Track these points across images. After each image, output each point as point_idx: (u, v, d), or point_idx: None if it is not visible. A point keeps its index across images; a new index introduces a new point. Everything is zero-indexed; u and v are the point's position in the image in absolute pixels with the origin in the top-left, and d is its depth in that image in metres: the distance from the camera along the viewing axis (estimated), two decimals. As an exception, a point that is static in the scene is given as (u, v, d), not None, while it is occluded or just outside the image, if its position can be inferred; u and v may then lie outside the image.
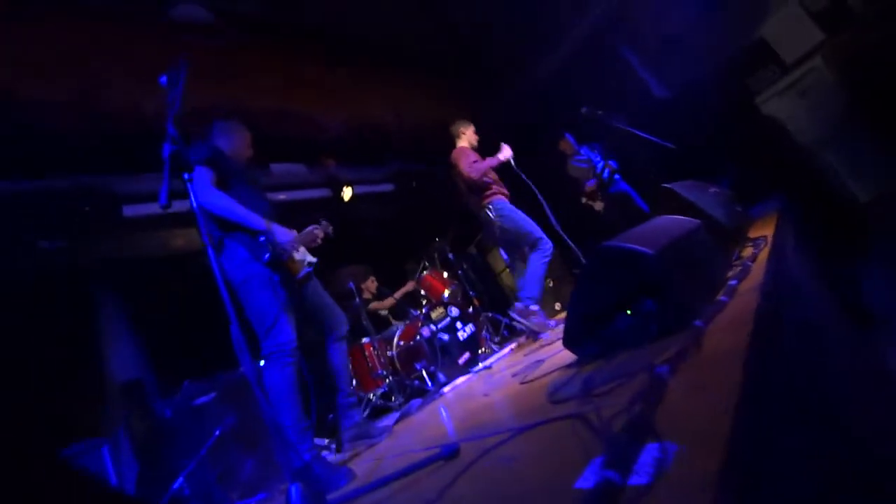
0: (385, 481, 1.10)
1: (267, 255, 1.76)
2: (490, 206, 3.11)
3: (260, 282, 1.77)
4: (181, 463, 2.50)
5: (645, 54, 5.43)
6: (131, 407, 3.47)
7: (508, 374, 2.10)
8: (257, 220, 1.79)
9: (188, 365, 3.11)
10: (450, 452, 1.12)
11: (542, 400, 1.21)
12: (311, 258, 2.03)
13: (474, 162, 3.13)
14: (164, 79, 1.66)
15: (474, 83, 6.36)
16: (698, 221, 1.60)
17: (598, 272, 1.29)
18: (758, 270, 1.47)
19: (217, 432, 2.55)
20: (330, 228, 2.22)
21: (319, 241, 2.12)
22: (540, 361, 1.90)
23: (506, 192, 3.23)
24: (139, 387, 3.56)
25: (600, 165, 4.00)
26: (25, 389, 3.24)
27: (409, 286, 4.05)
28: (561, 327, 2.85)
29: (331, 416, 3.34)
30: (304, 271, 1.93)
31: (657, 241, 1.26)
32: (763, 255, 1.69)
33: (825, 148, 3.97)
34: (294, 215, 5.08)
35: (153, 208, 4.17)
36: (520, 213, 3.11)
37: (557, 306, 4.50)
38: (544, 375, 1.56)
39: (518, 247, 3.13)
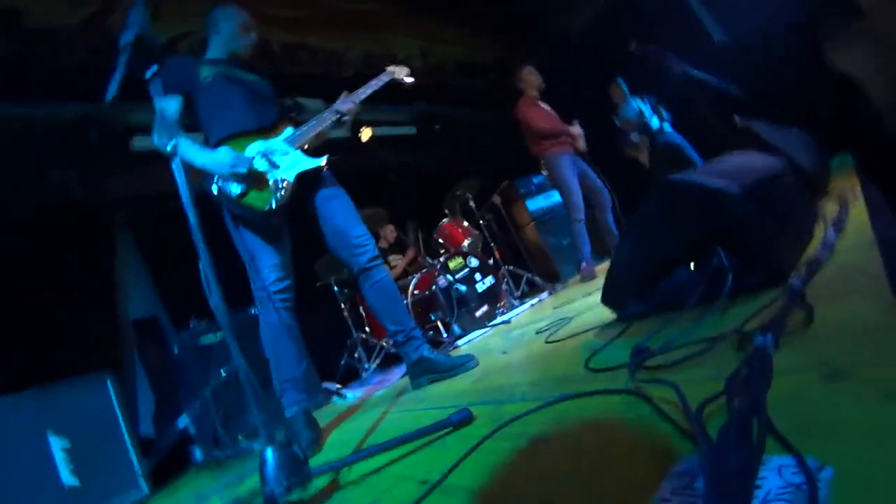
0: (379, 449, 0.93)
1: (212, 192, 1.52)
2: (543, 158, 3.19)
3: (227, 222, 1.56)
4: (188, 401, 2.47)
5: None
6: (145, 341, 3.48)
7: (531, 329, 1.89)
8: (202, 156, 1.50)
9: (199, 302, 3.02)
10: (460, 420, 0.93)
11: (575, 365, 0.98)
12: (303, 167, 1.59)
13: (541, 118, 3.20)
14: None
15: (509, 21, 5.78)
16: (784, 161, 1.29)
17: (662, 214, 1.02)
18: (855, 227, 1.17)
19: (223, 373, 2.48)
20: (346, 108, 1.69)
21: (331, 124, 1.68)
22: (567, 319, 1.67)
23: (568, 147, 3.19)
24: (153, 321, 3.54)
25: (649, 115, 3.58)
26: (42, 320, 3.24)
27: (411, 254, 3.79)
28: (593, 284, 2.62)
29: (343, 360, 3.27)
30: (276, 197, 1.51)
31: (741, 179, 0.97)
32: (858, 211, 1.37)
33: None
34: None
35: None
36: (566, 173, 3.09)
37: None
38: (575, 335, 1.33)
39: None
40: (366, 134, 4.55)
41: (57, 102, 3.36)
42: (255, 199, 1.51)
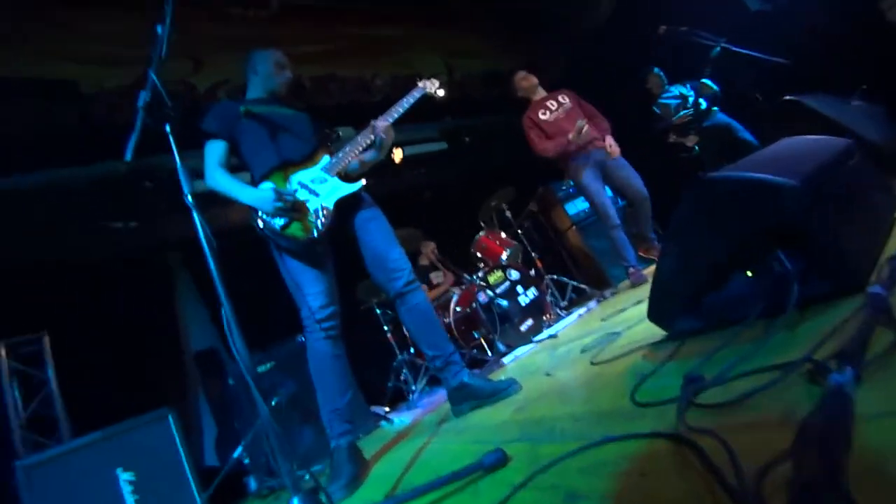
0: (410, 496, 0.87)
1: (258, 227, 1.56)
2: (563, 167, 3.03)
3: (273, 254, 1.60)
4: (243, 431, 2.53)
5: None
6: (207, 373, 3.66)
7: (577, 346, 1.77)
8: (246, 194, 1.57)
9: (251, 333, 3.13)
10: (493, 463, 0.85)
11: (620, 396, 0.88)
12: (341, 193, 1.60)
13: (536, 143, 3.02)
14: (158, 27, 1.49)
15: (531, 23, 5.70)
16: (848, 140, 1.12)
17: (707, 215, 0.90)
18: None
19: (273, 402, 2.53)
20: (380, 127, 1.70)
21: (367, 146, 1.70)
22: (615, 335, 1.55)
23: (587, 148, 2.93)
24: (213, 353, 3.72)
25: (693, 98, 3.32)
26: (115, 361, 3.49)
27: (450, 283, 3.69)
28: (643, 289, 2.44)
29: (390, 383, 3.26)
30: (317, 226, 1.55)
31: (798, 168, 0.85)
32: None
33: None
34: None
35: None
36: (586, 181, 2.88)
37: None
38: (622, 356, 1.22)
39: None
40: (397, 155, 4.61)
41: (113, 159, 3.65)
42: (297, 229, 1.56)
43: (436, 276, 3.85)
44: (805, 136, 1.22)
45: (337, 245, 1.72)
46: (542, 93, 3.16)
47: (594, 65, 4.97)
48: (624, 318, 1.84)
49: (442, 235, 4.21)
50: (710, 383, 0.69)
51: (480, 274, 3.01)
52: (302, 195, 1.59)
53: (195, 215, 1.08)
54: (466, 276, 3.19)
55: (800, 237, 0.81)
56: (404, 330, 3.11)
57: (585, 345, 1.65)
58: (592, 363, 1.33)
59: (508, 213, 3.72)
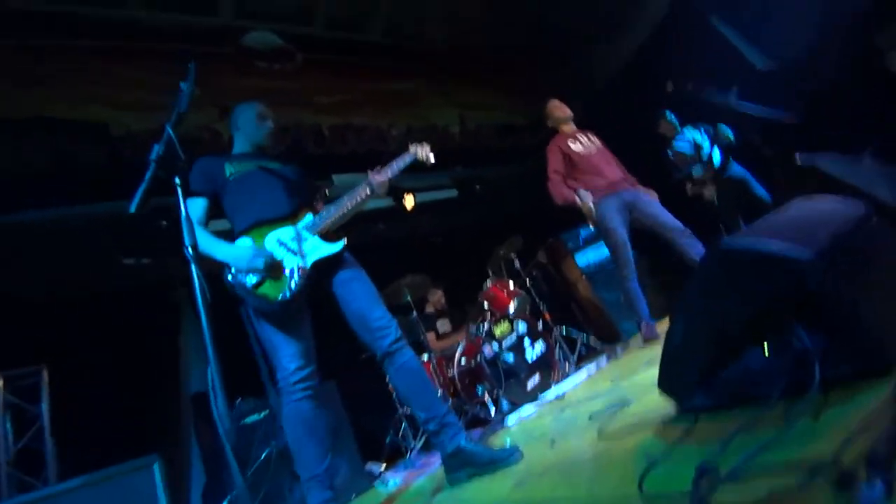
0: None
1: (227, 284, 1.52)
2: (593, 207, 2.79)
3: (243, 312, 1.57)
4: (230, 484, 2.40)
5: (742, 25, 4.61)
6: (200, 417, 3.54)
7: (585, 412, 1.66)
8: (221, 250, 1.54)
9: (247, 379, 3.05)
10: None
11: (628, 481, 0.80)
12: (320, 254, 1.59)
13: (552, 180, 2.87)
14: (182, 84, 1.56)
15: (544, 76, 5.93)
16: (864, 204, 1.08)
17: (718, 285, 0.85)
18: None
19: (264, 454, 2.42)
20: (377, 183, 1.70)
21: (361, 202, 1.69)
22: (625, 402, 1.45)
23: (615, 188, 2.76)
24: (206, 400, 3.62)
25: (708, 147, 3.29)
26: (112, 398, 3.43)
27: (460, 336, 3.51)
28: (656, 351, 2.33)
29: (388, 438, 3.11)
30: (290, 286, 1.51)
31: (812, 237, 0.80)
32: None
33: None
34: (357, 225, 5.03)
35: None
36: (609, 222, 2.68)
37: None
38: (631, 432, 1.13)
39: None
40: (409, 201, 4.67)
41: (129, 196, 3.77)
42: (269, 288, 1.52)
43: (442, 325, 3.77)
44: (818, 197, 1.18)
45: (318, 305, 1.68)
46: (572, 126, 3.07)
47: (608, 117, 5.09)
48: (635, 384, 1.74)
49: (450, 283, 4.17)
50: (725, 478, 0.62)
51: (487, 325, 2.93)
52: (279, 254, 1.56)
53: (193, 267, 1.06)
54: (472, 326, 3.11)
55: (819, 312, 0.75)
56: (394, 392, 2.99)
57: (594, 411, 1.55)
58: (600, 436, 1.24)
59: (517, 263, 3.68)
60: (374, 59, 5.48)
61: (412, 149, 1.96)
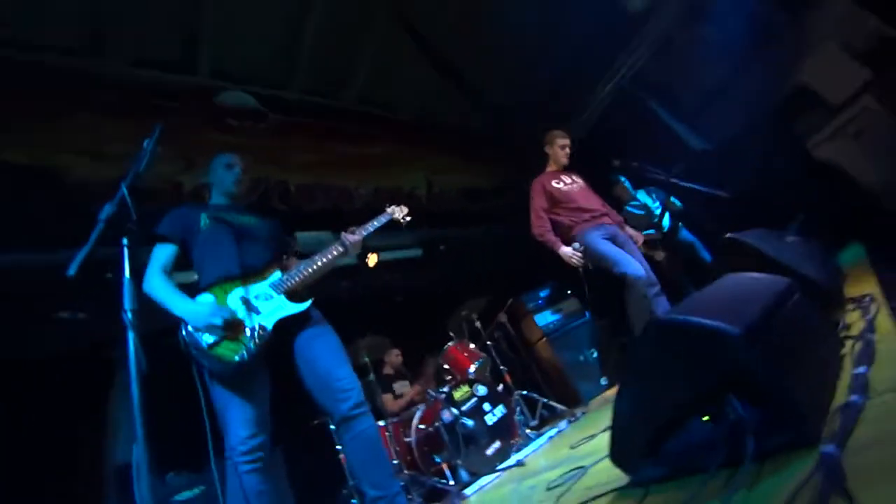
0: None
1: (182, 342, 1.45)
2: (577, 238, 2.80)
3: (194, 372, 1.47)
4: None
5: (678, 111, 5.23)
6: (124, 490, 3.15)
7: (544, 481, 1.62)
8: (179, 305, 1.47)
9: (186, 452, 2.78)
10: None
11: (580, 561, 0.78)
12: (283, 313, 1.54)
13: (539, 216, 2.93)
14: (147, 142, 1.57)
15: (506, 148, 6.34)
16: (788, 280, 1.19)
17: (657, 358, 0.90)
18: (890, 349, 1.02)
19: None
20: (351, 242, 1.72)
21: (333, 259, 1.68)
22: (581, 470, 1.43)
23: (598, 221, 2.84)
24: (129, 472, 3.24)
25: (659, 212, 3.58)
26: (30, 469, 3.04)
27: (418, 387, 3.58)
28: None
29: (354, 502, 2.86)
30: (248, 347, 1.44)
31: (740, 313, 0.87)
32: (884, 324, 1.23)
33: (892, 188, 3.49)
34: (320, 282, 4.93)
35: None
36: (598, 245, 2.69)
37: (604, 381, 3.91)
38: (587, 502, 1.11)
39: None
40: (372, 259, 4.68)
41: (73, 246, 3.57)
42: (226, 349, 1.44)
43: (400, 387, 3.65)
44: (747, 273, 1.29)
45: (277, 367, 1.60)
46: (563, 164, 3.15)
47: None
48: (590, 449, 1.73)
49: (410, 343, 4.09)
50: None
51: (446, 388, 2.86)
52: (241, 313, 1.50)
53: (130, 335, 1.01)
54: (431, 391, 3.03)
55: (750, 384, 0.80)
56: (344, 462, 2.81)
57: (551, 481, 1.52)
58: (556, 507, 1.21)
59: (479, 324, 3.69)
60: (346, 125, 5.70)
61: (389, 209, 2.01)
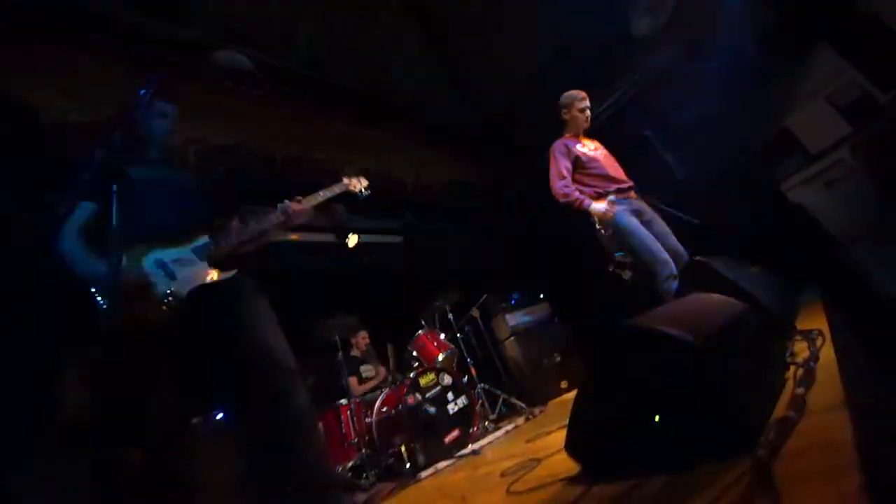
0: None
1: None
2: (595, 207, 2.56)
3: None
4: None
5: (667, 139, 5.43)
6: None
7: (498, 469, 1.70)
8: (82, 266, 1.35)
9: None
10: None
11: (528, 537, 0.84)
12: (202, 281, 1.41)
13: (563, 176, 2.61)
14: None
15: (496, 150, 6.41)
16: (745, 305, 1.29)
17: (618, 360, 0.97)
18: (827, 377, 1.12)
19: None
20: (294, 211, 1.60)
21: (274, 228, 1.56)
22: (535, 462, 1.51)
23: (627, 194, 2.61)
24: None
25: None
26: None
27: (382, 374, 3.65)
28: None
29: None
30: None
31: (698, 325, 0.95)
32: (827, 355, 1.34)
33: (856, 241, 3.74)
34: (300, 257, 4.84)
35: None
36: (627, 221, 2.50)
37: (564, 384, 4.04)
38: (539, 488, 1.18)
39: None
40: (352, 240, 4.66)
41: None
42: (141, 313, 1.32)
43: (366, 370, 3.68)
44: (708, 295, 1.39)
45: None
46: (584, 128, 2.84)
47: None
48: (546, 444, 1.81)
49: (380, 328, 4.12)
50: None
51: (412, 374, 2.91)
52: (155, 276, 1.37)
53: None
54: (398, 374, 3.08)
55: (700, 390, 0.88)
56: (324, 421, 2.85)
57: (505, 468, 1.59)
58: (508, 491, 1.28)
59: (451, 316, 3.75)
60: (341, 104, 5.63)
61: (346, 180, 1.92)
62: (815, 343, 1.47)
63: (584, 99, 2.82)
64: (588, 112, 2.81)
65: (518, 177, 6.19)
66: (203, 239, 1.51)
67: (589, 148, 2.77)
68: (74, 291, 1.34)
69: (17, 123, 3.54)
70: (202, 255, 1.48)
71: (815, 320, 1.88)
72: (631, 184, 2.71)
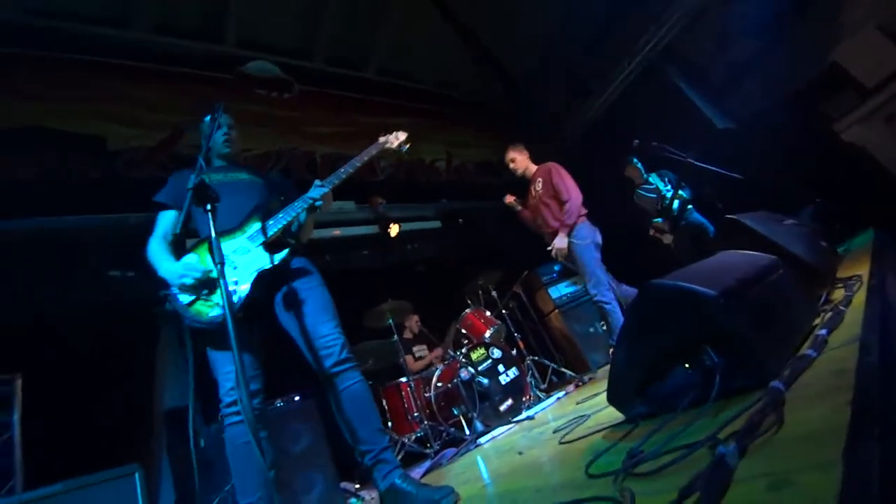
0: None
1: (167, 301, 1.44)
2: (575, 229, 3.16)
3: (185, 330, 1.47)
4: (203, 500, 2.44)
5: (705, 87, 5.19)
6: (174, 434, 3.53)
7: (551, 428, 1.86)
8: (162, 267, 1.50)
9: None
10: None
11: (578, 470, 1.00)
12: (263, 265, 1.51)
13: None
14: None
15: (526, 124, 6.39)
16: (774, 257, 1.36)
17: (649, 316, 1.09)
18: (854, 318, 1.19)
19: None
20: (322, 190, 1.70)
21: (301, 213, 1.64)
22: (585, 417, 1.66)
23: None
24: (182, 414, 3.62)
25: (670, 196, 3.69)
26: (84, 413, 3.40)
27: (439, 351, 3.85)
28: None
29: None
30: (216, 310, 1.41)
31: (721, 280, 1.05)
32: (859, 299, 1.39)
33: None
34: (344, 251, 5.12)
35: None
36: (586, 247, 3.10)
37: (612, 352, 4.12)
38: (586, 436, 1.33)
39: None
40: (394, 230, 4.89)
41: (127, 211, 3.85)
42: (202, 306, 1.45)
43: (419, 350, 3.93)
44: (741, 251, 1.46)
45: (268, 318, 1.59)
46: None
47: (580, 163, 5.54)
48: (595, 403, 1.95)
49: (430, 310, 4.34)
50: (645, 458, 0.83)
51: (464, 350, 3.11)
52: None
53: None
54: (450, 351, 3.29)
55: (723, 338, 0.99)
56: (389, 400, 3.12)
57: (558, 426, 1.75)
58: (560, 443, 1.44)
59: (494, 294, 3.90)
60: (369, 96, 5.81)
61: (382, 138, 1.96)
62: (851, 289, 1.51)
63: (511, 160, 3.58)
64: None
65: (544, 149, 6.19)
66: (254, 225, 1.61)
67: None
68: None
69: (90, 152, 3.99)
70: (255, 240, 1.57)
71: (858, 267, 1.88)
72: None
